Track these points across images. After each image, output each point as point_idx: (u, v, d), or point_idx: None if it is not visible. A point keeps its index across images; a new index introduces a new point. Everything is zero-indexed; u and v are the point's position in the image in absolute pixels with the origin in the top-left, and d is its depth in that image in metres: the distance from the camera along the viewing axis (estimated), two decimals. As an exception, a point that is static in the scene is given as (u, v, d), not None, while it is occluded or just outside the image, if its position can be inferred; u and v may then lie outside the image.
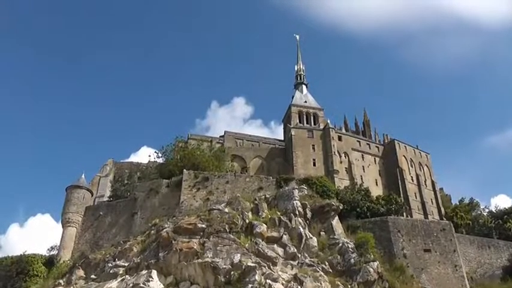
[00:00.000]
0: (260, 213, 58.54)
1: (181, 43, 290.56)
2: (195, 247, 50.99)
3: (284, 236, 54.28)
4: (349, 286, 49.77)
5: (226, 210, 57.47)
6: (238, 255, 49.89)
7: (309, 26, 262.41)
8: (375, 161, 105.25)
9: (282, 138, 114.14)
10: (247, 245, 52.06)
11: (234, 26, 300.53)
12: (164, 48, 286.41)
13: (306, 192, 64.64)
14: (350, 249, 54.24)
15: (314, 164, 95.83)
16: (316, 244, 54.89)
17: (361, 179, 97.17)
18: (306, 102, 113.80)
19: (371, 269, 51.16)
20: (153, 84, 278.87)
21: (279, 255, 52.27)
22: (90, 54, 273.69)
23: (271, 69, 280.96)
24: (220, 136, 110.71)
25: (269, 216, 57.73)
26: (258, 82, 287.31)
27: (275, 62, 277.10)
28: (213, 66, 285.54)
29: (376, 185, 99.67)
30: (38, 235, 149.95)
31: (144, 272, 50.78)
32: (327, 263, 52.32)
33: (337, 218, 60.71)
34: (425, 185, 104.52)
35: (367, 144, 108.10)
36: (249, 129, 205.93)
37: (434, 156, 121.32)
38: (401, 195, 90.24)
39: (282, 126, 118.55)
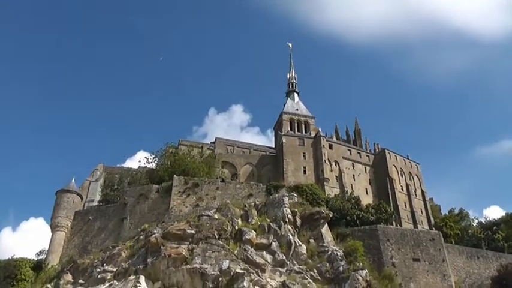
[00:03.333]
0: (250, 220, 58.67)
1: (181, 49, 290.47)
2: (183, 253, 51.06)
3: (273, 243, 54.40)
4: (338, 294, 49.93)
5: (216, 216, 57.57)
6: (227, 261, 50.04)
7: (306, 35, 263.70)
8: (365, 169, 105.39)
9: (274, 146, 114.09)
10: (236, 251, 52.19)
11: (233, 34, 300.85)
12: (163, 55, 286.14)
13: (296, 200, 64.59)
14: (339, 257, 54.39)
15: (304, 172, 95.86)
16: (305, 251, 54.97)
17: (352, 187, 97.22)
18: (297, 110, 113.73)
19: (359, 277, 51.22)
20: (151, 89, 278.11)
21: (268, 262, 52.40)
22: (88, 57, 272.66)
23: (269, 77, 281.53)
24: (211, 142, 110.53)
25: (258, 223, 57.84)
26: (255, 90, 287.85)
27: (273, 70, 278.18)
28: (211, 74, 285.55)
29: (366, 193, 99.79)
30: (30, 239, 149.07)
31: (132, 277, 50.82)
32: (315, 271, 52.48)
33: (326, 225, 60.80)
34: (416, 194, 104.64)
35: (358, 153, 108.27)
36: (246, 137, 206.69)
37: (426, 167, 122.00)
38: (391, 205, 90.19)
39: (273, 134, 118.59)
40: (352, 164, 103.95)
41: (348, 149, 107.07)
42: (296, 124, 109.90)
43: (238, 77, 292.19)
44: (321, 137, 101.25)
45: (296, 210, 60.61)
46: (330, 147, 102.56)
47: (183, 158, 78.76)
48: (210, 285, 47.91)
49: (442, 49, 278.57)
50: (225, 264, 49.65)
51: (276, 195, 64.97)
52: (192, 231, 53.99)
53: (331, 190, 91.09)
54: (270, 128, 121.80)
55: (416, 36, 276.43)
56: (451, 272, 63.35)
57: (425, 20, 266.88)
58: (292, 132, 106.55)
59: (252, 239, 54.14)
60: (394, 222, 76.40)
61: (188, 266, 49.77)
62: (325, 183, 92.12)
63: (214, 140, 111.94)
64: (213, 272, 48.66)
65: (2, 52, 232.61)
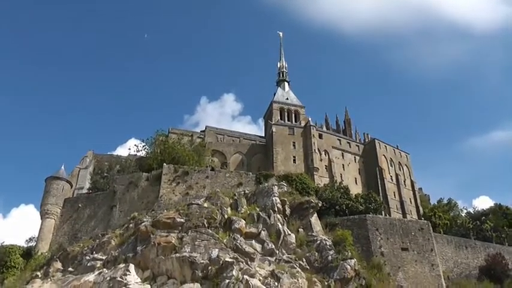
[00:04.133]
0: (239, 209, 58.66)
1: (172, 37, 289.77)
2: (173, 241, 51.05)
3: (262, 232, 54.42)
4: (326, 283, 49.90)
5: (206, 205, 57.57)
6: (216, 250, 49.99)
7: (298, 24, 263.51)
8: (355, 159, 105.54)
9: (263, 135, 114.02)
10: (225, 240, 52.16)
11: (225, 23, 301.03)
12: (155, 44, 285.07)
13: (285, 189, 64.82)
14: (328, 247, 54.47)
15: (294, 161, 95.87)
16: (294, 241, 55.01)
17: (341, 177, 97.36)
18: (287, 99, 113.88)
19: (348, 266, 51.35)
20: (143, 77, 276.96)
21: (257, 251, 52.42)
22: (78, 45, 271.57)
23: (261, 66, 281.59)
24: (201, 131, 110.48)
25: (248, 212, 57.84)
26: (247, 79, 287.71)
27: (265, 59, 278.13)
28: (204, 63, 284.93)
29: (356, 183, 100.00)
30: (21, 226, 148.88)
31: (121, 265, 50.82)
32: (304, 260, 52.50)
33: (315, 215, 60.91)
34: (405, 184, 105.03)
35: (348, 142, 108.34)
36: (237, 126, 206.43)
37: (415, 157, 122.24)
38: (381, 194, 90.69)
39: (263, 123, 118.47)
40: (342, 153, 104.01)
41: (338, 139, 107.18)
42: (286, 113, 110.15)
43: (230, 66, 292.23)
44: (311, 127, 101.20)
45: (285, 199, 60.55)
46: (320, 136, 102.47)
47: (172, 146, 78.56)
48: (199, 274, 47.89)
49: (435, 40, 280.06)
50: (214, 253, 49.63)
51: (266, 184, 65.05)
52: (182, 220, 54.04)
53: (321, 180, 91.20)
54: (262, 117, 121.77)
55: (409, 27, 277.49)
56: (440, 261, 63.78)
57: (418, 10, 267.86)
58: (282, 122, 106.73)
59: (242, 228, 54.16)
60: (383, 212, 76.62)
61: (177, 255, 49.72)
62: (314, 173, 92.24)
63: (204, 128, 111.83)
64: (202, 261, 48.61)
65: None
